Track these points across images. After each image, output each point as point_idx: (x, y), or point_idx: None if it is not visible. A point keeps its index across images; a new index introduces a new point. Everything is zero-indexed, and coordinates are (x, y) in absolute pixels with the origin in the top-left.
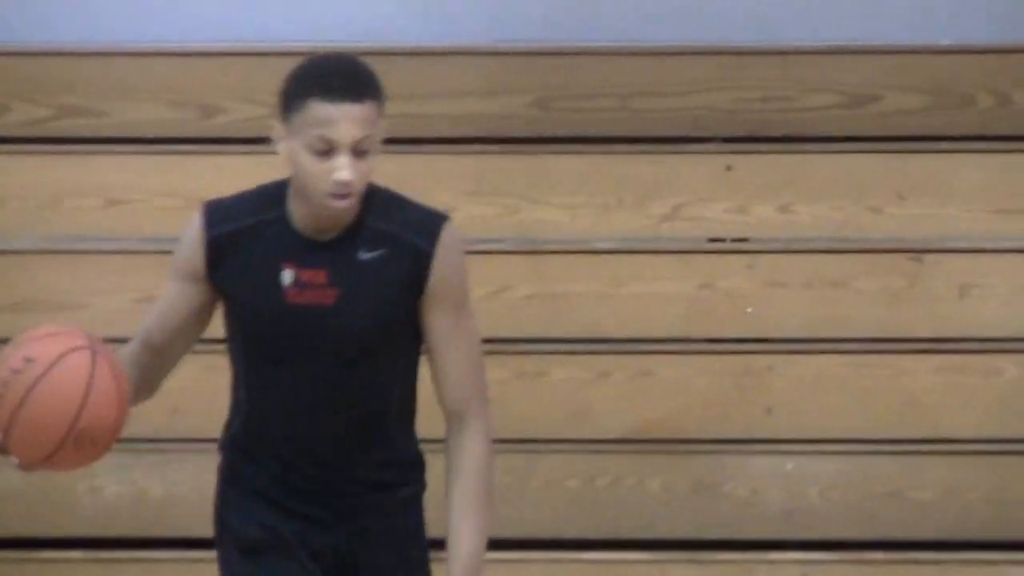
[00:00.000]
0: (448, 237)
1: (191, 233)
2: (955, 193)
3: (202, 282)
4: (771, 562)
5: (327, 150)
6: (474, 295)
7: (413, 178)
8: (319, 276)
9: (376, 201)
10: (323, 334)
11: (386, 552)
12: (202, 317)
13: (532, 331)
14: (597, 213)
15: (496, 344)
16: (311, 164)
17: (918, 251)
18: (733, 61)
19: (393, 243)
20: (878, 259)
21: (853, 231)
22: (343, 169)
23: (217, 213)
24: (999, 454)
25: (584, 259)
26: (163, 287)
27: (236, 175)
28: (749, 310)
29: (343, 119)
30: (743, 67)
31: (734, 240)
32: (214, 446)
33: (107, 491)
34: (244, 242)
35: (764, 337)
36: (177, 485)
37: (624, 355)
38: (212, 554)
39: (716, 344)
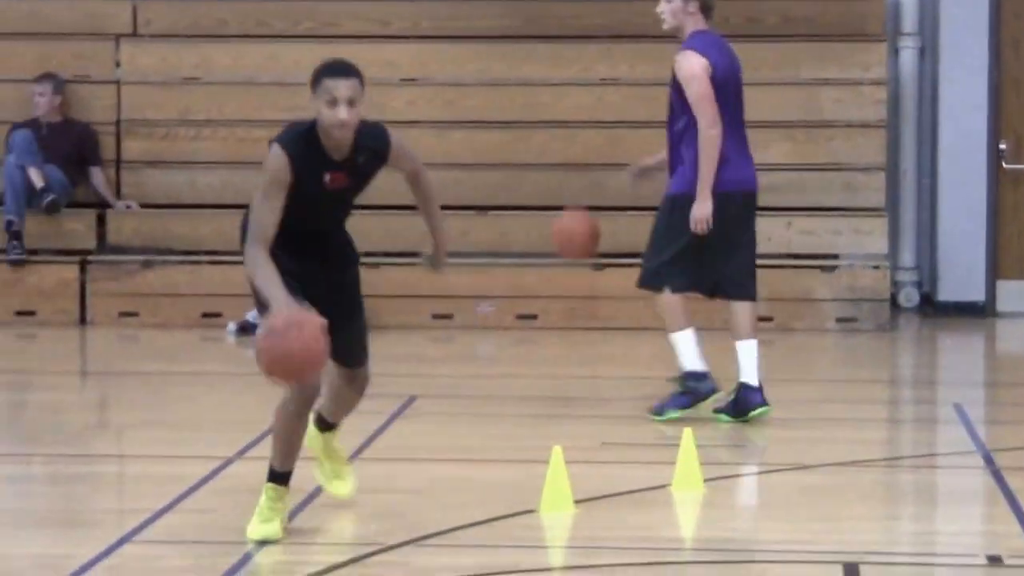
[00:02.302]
0: (394, 141)
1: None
2: None
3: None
4: None
5: (333, 101)
6: None
7: None
8: (341, 177)
9: (363, 130)
10: (342, 201)
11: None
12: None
13: None
14: None
15: None
16: (326, 111)
17: None
18: None
19: (370, 153)
20: None
21: None
22: (342, 112)
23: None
24: None
25: None
26: None
27: None
28: None
29: (341, 86)
30: None
31: None
32: None
33: None
34: (306, 165)
35: None
36: None
37: None
38: None
39: None
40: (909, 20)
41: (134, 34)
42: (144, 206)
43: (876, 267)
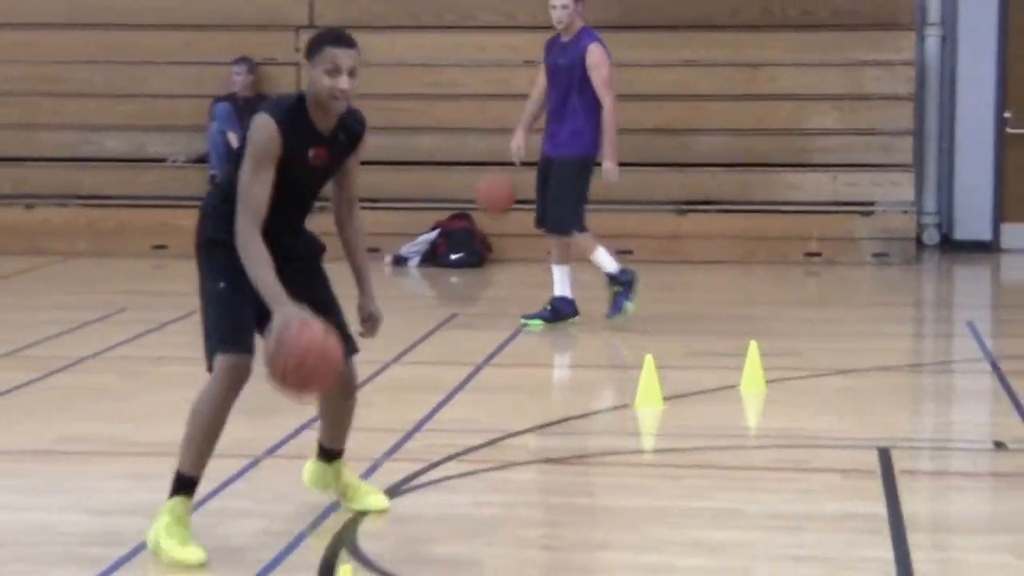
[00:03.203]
0: (366, 132)
1: (272, 134)
2: None
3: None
4: None
5: (335, 70)
6: None
7: None
8: (323, 153)
9: (348, 109)
10: (318, 182)
11: (322, 274)
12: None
13: None
14: None
15: None
16: (326, 80)
17: None
18: None
19: (349, 133)
20: None
21: None
22: (343, 82)
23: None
24: None
25: None
26: None
27: None
28: None
29: (344, 55)
30: None
31: None
32: None
33: None
34: (293, 137)
35: None
36: None
37: None
38: None
39: None
40: (933, 13)
41: (310, 25)
42: None
43: (904, 212)
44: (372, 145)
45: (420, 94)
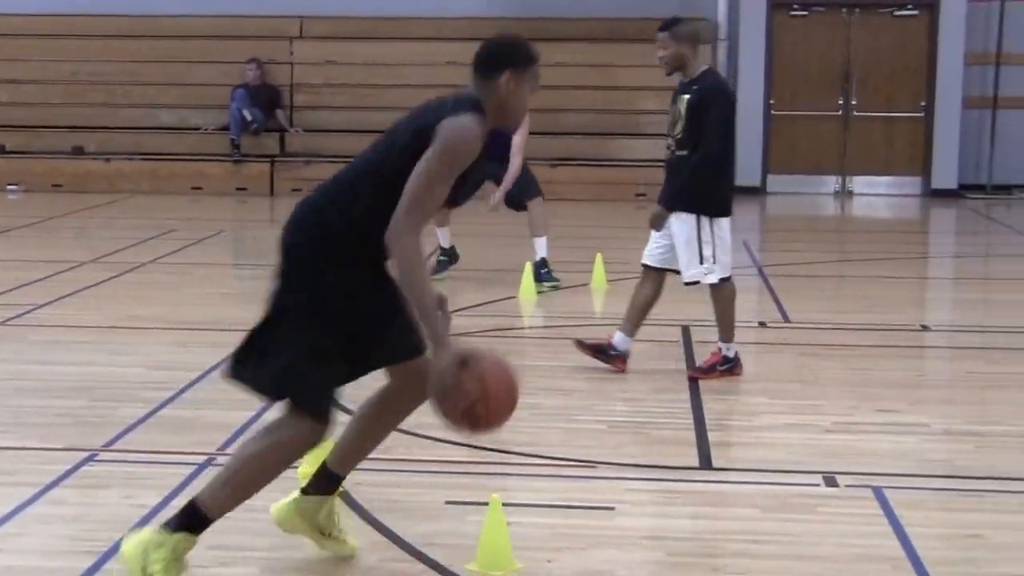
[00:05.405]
0: None
1: (477, 144)
2: None
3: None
4: None
5: (536, 87)
6: None
7: None
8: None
9: None
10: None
11: None
12: None
13: None
14: None
15: None
16: (527, 98)
17: None
18: None
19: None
20: None
21: None
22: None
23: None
24: None
25: None
26: None
27: None
28: None
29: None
30: None
31: None
32: None
33: None
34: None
35: None
36: None
37: None
38: None
39: None
40: (723, 32)
41: (300, 36)
42: (306, 130)
43: None
44: (339, 120)
45: (380, 84)
